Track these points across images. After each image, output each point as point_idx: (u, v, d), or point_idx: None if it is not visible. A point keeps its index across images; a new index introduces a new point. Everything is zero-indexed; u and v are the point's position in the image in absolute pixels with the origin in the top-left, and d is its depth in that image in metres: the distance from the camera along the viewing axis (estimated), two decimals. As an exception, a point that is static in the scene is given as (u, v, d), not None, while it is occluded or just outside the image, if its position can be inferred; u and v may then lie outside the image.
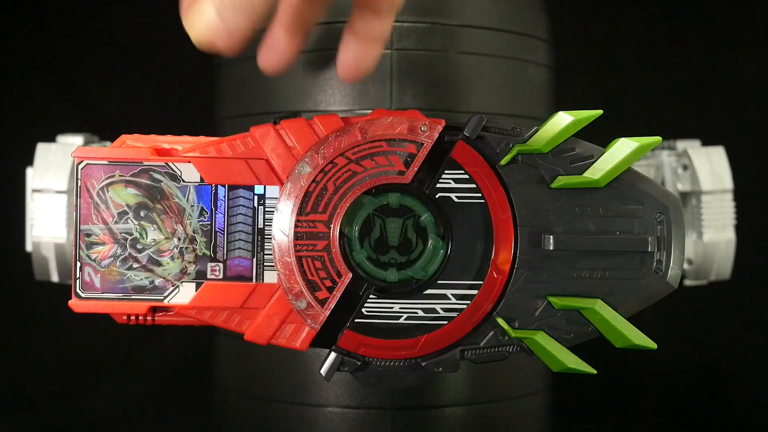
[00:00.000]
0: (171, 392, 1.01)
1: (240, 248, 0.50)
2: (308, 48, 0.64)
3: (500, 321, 0.49)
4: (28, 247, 0.71)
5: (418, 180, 0.49)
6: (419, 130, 0.49)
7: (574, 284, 0.49)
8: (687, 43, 1.02)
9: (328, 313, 0.49)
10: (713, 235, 0.72)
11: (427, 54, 0.63)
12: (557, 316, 0.49)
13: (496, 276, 0.49)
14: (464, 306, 0.49)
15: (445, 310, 0.49)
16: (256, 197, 0.50)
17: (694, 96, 1.02)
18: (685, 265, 0.73)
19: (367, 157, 0.49)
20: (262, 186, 0.50)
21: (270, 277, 0.50)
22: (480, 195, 0.49)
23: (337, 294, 0.49)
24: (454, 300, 0.49)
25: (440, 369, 0.49)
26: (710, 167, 0.73)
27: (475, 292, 0.49)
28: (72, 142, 0.72)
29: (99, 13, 1.04)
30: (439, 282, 0.49)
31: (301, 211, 0.49)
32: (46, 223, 0.69)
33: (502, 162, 0.49)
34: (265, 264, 0.50)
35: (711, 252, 0.72)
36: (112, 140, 0.75)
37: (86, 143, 0.72)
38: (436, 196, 0.49)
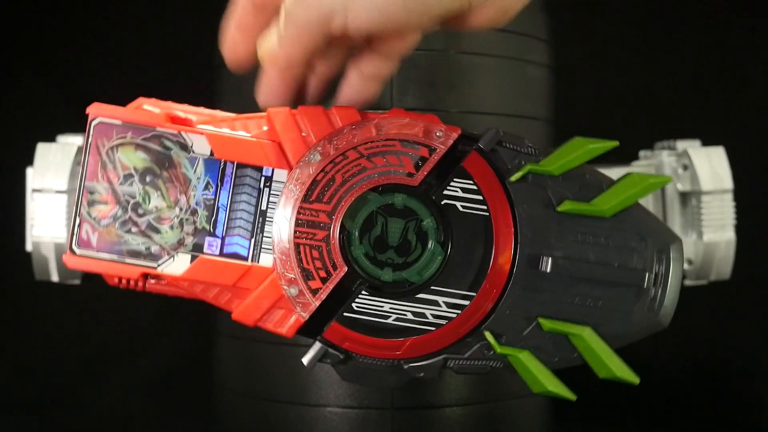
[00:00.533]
0: (171, 392, 1.01)
1: (240, 227, 0.50)
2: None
3: (488, 335, 0.48)
4: (28, 247, 0.71)
5: (426, 184, 0.49)
6: (434, 134, 0.49)
7: (565, 309, 0.49)
8: (687, 43, 1.02)
9: (318, 303, 0.48)
10: (713, 235, 0.72)
11: (427, 54, 0.63)
12: (545, 338, 0.48)
13: (490, 289, 0.49)
14: (454, 315, 0.49)
15: (435, 316, 0.49)
16: (263, 178, 0.50)
17: (694, 96, 1.02)
18: (685, 265, 0.73)
19: (378, 155, 0.49)
20: (271, 168, 0.50)
21: (266, 260, 0.50)
22: (485, 208, 0.49)
23: (330, 286, 0.49)
24: (445, 308, 0.49)
25: (422, 374, 0.49)
26: (710, 167, 0.73)
27: (467, 302, 0.49)
28: (72, 142, 0.72)
29: (99, 13, 1.04)
30: (432, 288, 0.49)
31: (305, 199, 0.49)
32: (46, 223, 0.69)
33: (512, 178, 0.49)
34: (263, 246, 0.50)
35: (711, 252, 0.72)
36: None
37: None
38: (442, 203, 0.49)
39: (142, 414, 0.98)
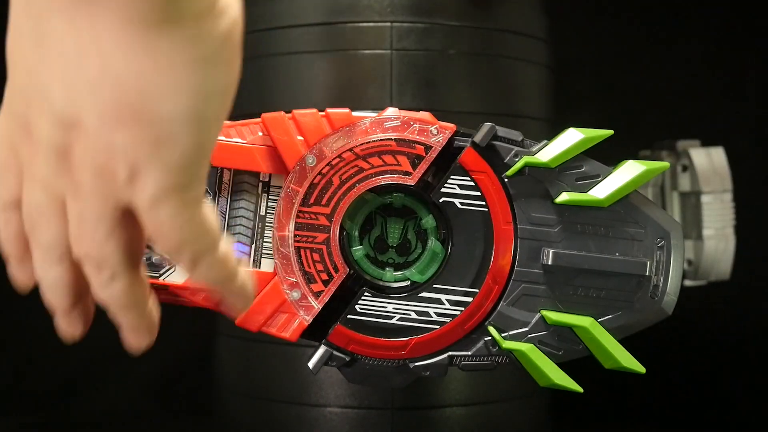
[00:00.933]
0: (171, 392, 1.01)
1: (240, 233, 0.50)
2: (307, 49, 0.64)
3: (492, 330, 0.49)
4: (28, 248, 0.71)
5: (423, 182, 0.49)
6: (430, 132, 0.49)
7: (568, 301, 0.49)
8: (687, 43, 1.02)
9: (321, 306, 0.49)
10: (713, 235, 0.72)
11: (426, 54, 0.63)
12: (549, 331, 0.49)
13: (492, 285, 0.49)
14: (458, 312, 0.49)
15: (439, 314, 0.49)
16: (260, 184, 0.50)
17: (694, 96, 1.02)
18: (685, 265, 0.73)
19: (375, 155, 0.49)
20: (268, 174, 0.50)
21: (267, 265, 0.50)
22: (484, 203, 0.49)
23: (332, 288, 0.49)
24: (448, 305, 0.49)
25: (428, 373, 0.49)
26: (710, 167, 0.73)
27: (470, 299, 0.49)
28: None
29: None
30: (435, 286, 0.49)
31: (304, 202, 0.49)
32: (46, 223, 0.69)
33: (509, 173, 0.49)
34: (264, 251, 0.50)
35: (711, 252, 0.72)
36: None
37: None
38: (440, 200, 0.49)
39: (142, 414, 0.98)
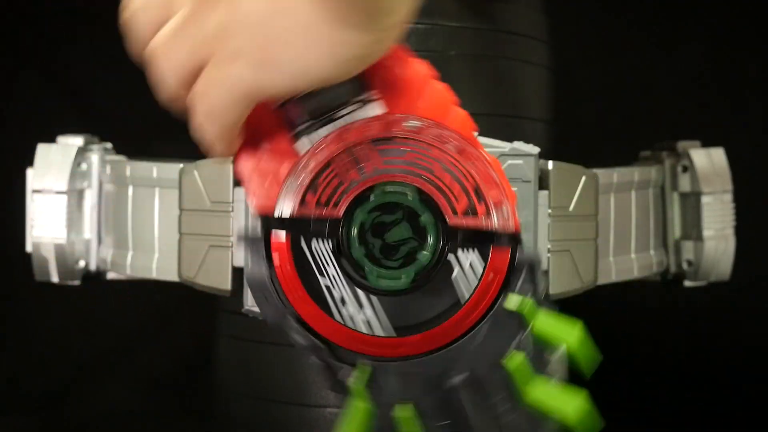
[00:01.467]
0: (171, 393, 1.01)
1: (311, 112, 0.49)
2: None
3: (357, 372, 0.47)
4: (28, 248, 0.71)
5: (452, 231, 0.47)
6: (501, 209, 0.48)
7: (425, 416, 0.47)
8: (687, 43, 1.02)
9: (293, 216, 0.48)
10: (713, 236, 0.72)
11: (426, 55, 0.63)
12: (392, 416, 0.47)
13: (403, 345, 0.47)
14: (364, 332, 0.47)
15: (350, 315, 0.48)
16: (362, 98, 0.49)
17: (694, 96, 1.02)
18: (685, 266, 0.73)
19: (447, 172, 0.48)
20: (373, 98, 0.49)
21: (302, 145, 0.50)
22: (469, 296, 0.47)
23: (318, 213, 0.48)
24: (362, 317, 0.48)
25: (302, 342, 0.48)
26: (710, 168, 0.73)
27: (382, 335, 0.48)
28: (72, 142, 0.72)
29: (99, 14, 1.04)
30: (372, 297, 0.48)
31: (375, 140, 0.48)
32: (46, 223, 0.69)
33: (507, 304, 0.47)
34: (308, 136, 0.50)
35: (710, 253, 0.72)
36: (112, 140, 0.75)
37: (86, 144, 0.72)
38: (447, 255, 0.48)
39: (142, 414, 0.98)
